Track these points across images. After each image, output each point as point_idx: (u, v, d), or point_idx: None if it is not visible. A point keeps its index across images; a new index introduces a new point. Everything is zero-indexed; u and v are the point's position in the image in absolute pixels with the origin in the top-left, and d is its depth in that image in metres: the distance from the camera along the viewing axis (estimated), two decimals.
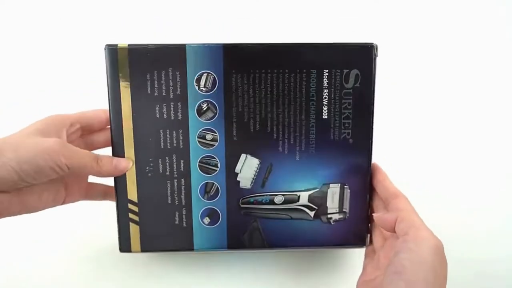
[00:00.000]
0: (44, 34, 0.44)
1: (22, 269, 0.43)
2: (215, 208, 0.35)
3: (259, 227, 0.35)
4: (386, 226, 0.32)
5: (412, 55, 0.45)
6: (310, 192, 0.35)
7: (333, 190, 0.35)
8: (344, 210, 0.35)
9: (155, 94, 0.33)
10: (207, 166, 0.35)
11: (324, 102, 0.34)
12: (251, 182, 0.35)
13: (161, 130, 0.34)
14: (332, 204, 0.35)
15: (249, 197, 0.35)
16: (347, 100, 0.34)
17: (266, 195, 0.35)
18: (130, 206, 0.35)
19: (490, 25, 0.45)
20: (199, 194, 0.35)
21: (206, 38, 0.43)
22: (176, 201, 0.35)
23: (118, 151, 0.34)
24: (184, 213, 0.35)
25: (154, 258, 0.43)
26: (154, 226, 0.35)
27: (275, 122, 0.34)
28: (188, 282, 0.43)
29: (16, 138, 0.30)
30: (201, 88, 0.33)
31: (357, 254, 0.39)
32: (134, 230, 0.35)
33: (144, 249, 0.35)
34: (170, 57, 0.33)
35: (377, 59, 0.34)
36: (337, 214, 0.36)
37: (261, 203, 0.35)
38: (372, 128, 0.35)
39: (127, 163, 0.34)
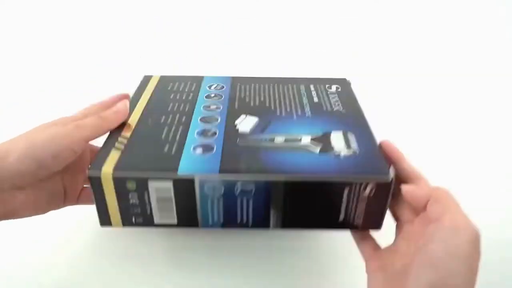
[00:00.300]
0: (44, 34, 0.46)
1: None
2: (210, 144, 0.32)
3: (259, 156, 0.31)
4: (417, 202, 0.29)
5: (412, 55, 0.46)
6: (313, 136, 0.33)
7: (336, 135, 0.33)
8: (351, 146, 0.32)
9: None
10: (207, 118, 0.36)
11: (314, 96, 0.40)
12: (250, 129, 0.34)
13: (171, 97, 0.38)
14: (338, 143, 0.32)
15: (248, 137, 0.33)
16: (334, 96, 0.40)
17: (266, 136, 0.33)
18: (119, 139, 0.32)
19: (490, 25, 0.47)
20: (195, 135, 0.33)
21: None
22: (170, 137, 0.33)
23: None
24: (175, 146, 0.32)
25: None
26: (137, 152, 0.31)
27: (273, 101, 0.39)
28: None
29: (30, 132, 0.32)
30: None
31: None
32: (113, 155, 0.30)
33: (118, 169, 0.29)
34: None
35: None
36: (346, 150, 0.31)
37: (260, 141, 0.32)
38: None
39: (124, 103, 0.35)
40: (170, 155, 0.31)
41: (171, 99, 0.39)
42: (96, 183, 0.29)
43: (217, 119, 0.36)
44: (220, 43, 0.53)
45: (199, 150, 0.31)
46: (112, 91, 0.40)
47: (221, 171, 0.29)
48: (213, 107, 0.38)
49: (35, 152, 0.29)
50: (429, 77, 0.49)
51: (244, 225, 0.31)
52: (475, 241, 0.25)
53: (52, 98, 0.45)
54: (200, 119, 0.36)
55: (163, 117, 0.36)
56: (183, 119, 0.35)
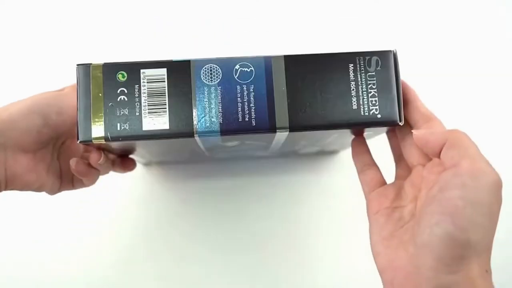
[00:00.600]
0: (44, 34, 0.46)
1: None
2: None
3: None
4: (430, 148, 0.26)
5: (412, 55, 0.45)
6: None
7: None
8: None
9: None
10: None
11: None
12: None
13: None
14: None
15: None
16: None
17: None
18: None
19: (490, 25, 0.45)
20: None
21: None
22: None
23: None
24: None
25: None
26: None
27: None
28: None
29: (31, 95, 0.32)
30: None
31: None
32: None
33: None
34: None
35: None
36: None
37: None
38: None
39: None
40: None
41: None
42: (83, 73, 0.28)
43: None
44: (220, 43, 0.53)
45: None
46: None
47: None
48: None
49: (40, 106, 0.30)
50: (429, 77, 0.49)
51: (246, 128, 0.28)
52: (497, 187, 0.23)
53: None
54: None
55: None
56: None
